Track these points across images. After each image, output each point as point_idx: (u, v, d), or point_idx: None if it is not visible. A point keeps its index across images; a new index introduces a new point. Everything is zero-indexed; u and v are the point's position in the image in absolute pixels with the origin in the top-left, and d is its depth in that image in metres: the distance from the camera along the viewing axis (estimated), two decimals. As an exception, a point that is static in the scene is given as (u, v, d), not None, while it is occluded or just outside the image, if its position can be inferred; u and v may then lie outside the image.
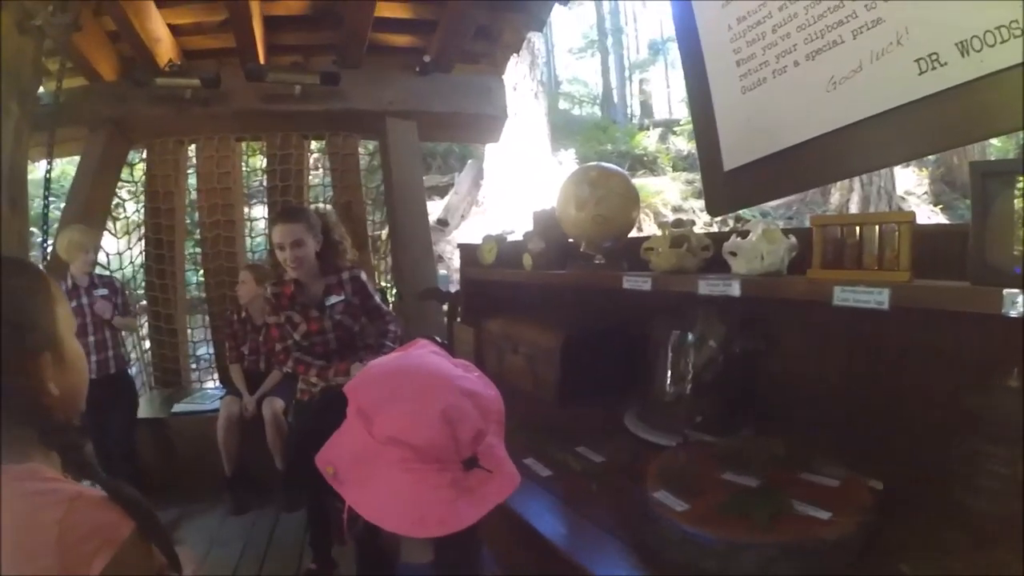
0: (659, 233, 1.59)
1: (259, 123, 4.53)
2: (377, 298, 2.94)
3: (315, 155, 5.12)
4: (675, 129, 15.33)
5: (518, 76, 11.23)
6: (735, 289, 1.32)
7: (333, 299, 2.80)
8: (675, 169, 13.06)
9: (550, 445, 1.67)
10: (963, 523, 1.18)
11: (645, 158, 13.60)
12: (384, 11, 4.09)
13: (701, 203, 12.12)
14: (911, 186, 11.15)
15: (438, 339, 3.73)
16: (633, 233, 2.00)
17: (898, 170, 10.10)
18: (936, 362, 1.40)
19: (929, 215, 10.35)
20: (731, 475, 1.29)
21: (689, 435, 1.54)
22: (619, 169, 1.99)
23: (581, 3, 20.14)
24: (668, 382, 1.67)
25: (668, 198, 11.53)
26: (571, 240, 2.10)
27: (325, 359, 2.78)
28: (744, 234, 1.42)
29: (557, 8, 4.52)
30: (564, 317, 2.26)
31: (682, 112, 19.22)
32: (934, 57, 1.50)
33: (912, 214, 1.22)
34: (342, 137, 4.65)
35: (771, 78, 1.89)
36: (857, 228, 1.23)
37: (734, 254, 1.40)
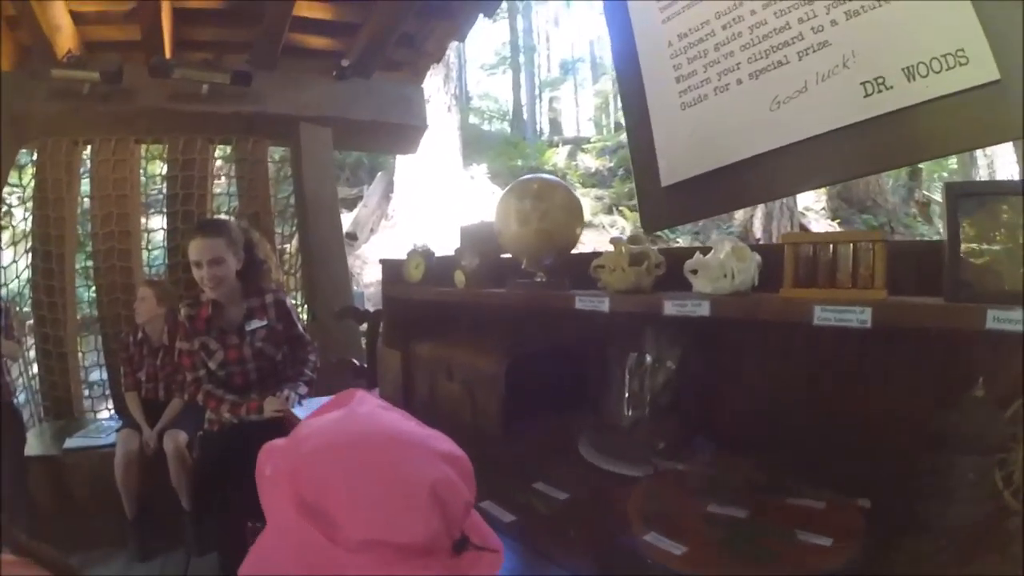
0: (611, 250, 1.50)
1: (162, 124, 4.18)
2: (300, 326, 2.75)
3: (219, 162, 4.81)
4: (584, 147, 15.73)
5: (432, 88, 11.19)
6: (704, 309, 1.25)
7: (255, 324, 2.59)
8: (584, 185, 13.33)
9: (505, 484, 1.55)
10: (941, 533, 1.19)
11: (555, 175, 13.80)
12: (303, 10, 3.91)
13: (610, 219, 12.43)
14: (810, 202, 11.79)
15: (355, 361, 3.55)
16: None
17: None
18: (897, 378, 1.41)
19: (827, 228, 10.98)
20: (715, 507, 1.23)
21: (657, 464, 1.46)
22: (562, 182, 1.91)
23: (496, 20, 20.35)
24: (625, 407, 1.59)
25: None
26: (506, 256, 1.99)
27: (243, 391, 2.56)
28: (706, 251, 1.36)
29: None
30: (504, 339, 2.13)
31: (590, 130, 19.76)
32: (880, 80, 1.53)
33: (882, 233, 1.23)
34: (251, 142, 4.39)
35: (712, 95, 1.87)
36: (831, 246, 1.20)
37: (695, 272, 1.33)
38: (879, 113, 1.53)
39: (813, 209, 11.71)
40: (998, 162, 10.24)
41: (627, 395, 1.59)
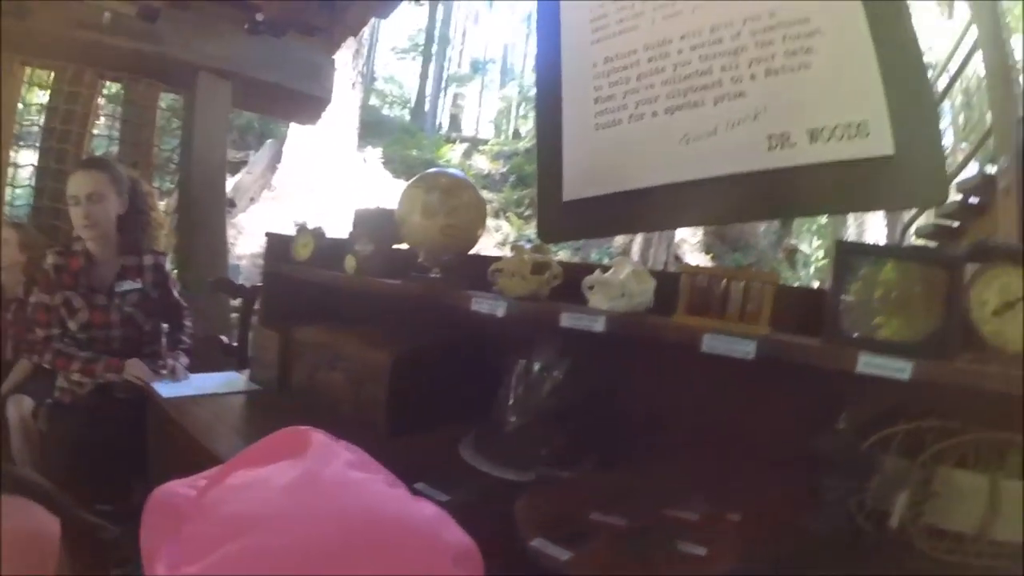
0: (511, 256, 1.53)
1: (55, 49, 3.72)
2: (176, 292, 2.55)
3: (103, 101, 4.41)
4: (480, 148, 15.74)
5: (340, 62, 10.81)
6: (600, 325, 1.31)
7: (127, 286, 2.35)
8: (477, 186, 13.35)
9: None
10: (804, 543, 1.32)
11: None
12: None
13: (496, 223, 12.52)
14: (687, 235, 12.41)
15: (224, 338, 3.35)
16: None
17: None
18: (774, 405, 1.52)
19: (700, 261, 11.60)
20: (598, 515, 1.28)
21: (542, 471, 1.50)
22: (470, 180, 1.92)
23: (421, 4, 20.02)
24: (510, 412, 1.62)
25: None
26: (400, 247, 1.98)
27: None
28: (606, 269, 1.42)
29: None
30: (393, 331, 2.09)
31: (488, 132, 19.81)
32: (785, 137, 1.67)
33: (775, 275, 1.37)
34: (144, 85, 4.02)
35: (627, 122, 1.97)
36: (724, 280, 1.30)
37: (592, 288, 1.39)
38: (779, 166, 1.68)
39: (689, 242, 12.37)
40: (867, 224, 11.20)
41: (512, 401, 1.62)
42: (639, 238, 10.06)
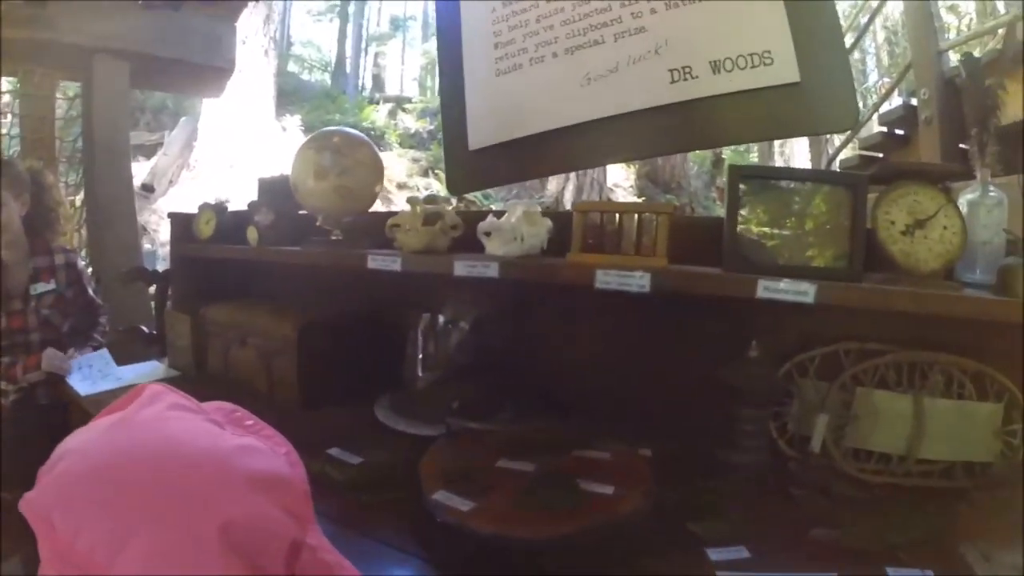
0: (408, 209, 1.48)
1: None
2: (92, 289, 2.45)
3: (7, 98, 4.18)
4: (405, 106, 15.43)
5: (250, 29, 10.41)
6: (493, 271, 1.29)
7: (41, 288, 2.25)
8: (402, 146, 13.17)
9: (301, 454, 1.45)
10: (726, 474, 1.36)
11: (373, 132, 13.41)
12: None
13: (426, 181, 12.40)
14: (620, 179, 12.50)
15: (145, 328, 3.24)
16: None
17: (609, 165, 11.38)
18: (686, 339, 1.55)
19: None
20: (505, 462, 1.27)
21: (451, 424, 1.46)
22: (365, 137, 1.84)
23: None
24: (420, 368, 1.59)
25: (394, 174, 11.55)
26: (305, 213, 1.92)
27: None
28: (500, 214, 1.38)
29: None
30: (301, 301, 2.04)
31: (413, 90, 19.44)
32: (687, 70, 1.66)
33: (671, 206, 1.34)
34: (39, 75, 3.80)
35: (527, 65, 1.93)
36: (617, 216, 1.27)
37: (488, 234, 1.36)
38: (682, 99, 1.67)
39: (622, 186, 12.46)
40: (794, 161, 11.45)
41: (422, 356, 1.59)
42: (571, 185, 10.11)
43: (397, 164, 11.85)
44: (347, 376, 1.84)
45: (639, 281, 1.15)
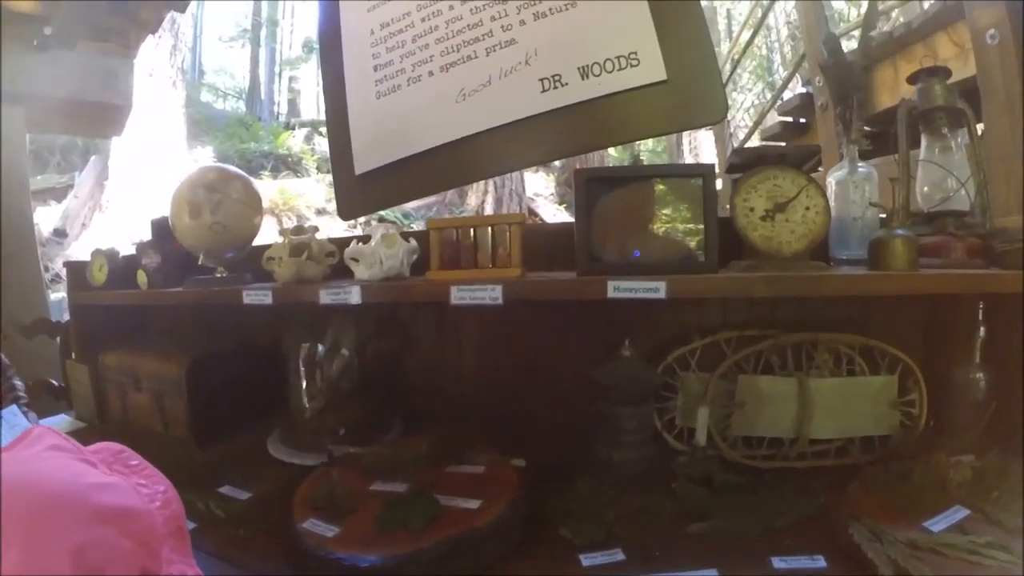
0: (280, 241, 1.52)
1: None
2: None
3: None
4: (321, 130, 15.23)
5: (157, 61, 10.25)
6: (355, 296, 1.32)
7: None
8: (320, 171, 13.02)
9: (189, 492, 1.48)
10: (607, 475, 1.41)
11: (290, 158, 13.36)
12: None
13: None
14: (540, 188, 12.68)
15: (53, 381, 3.20)
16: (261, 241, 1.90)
17: (528, 175, 11.52)
18: (557, 343, 1.62)
19: (555, 213, 11.90)
20: (380, 485, 1.32)
21: (334, 451, 1.50)
22: (239, 172, 1.86)
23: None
24: (305, 398, 1.62)
25: (312, 200, 11.45)
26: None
27: None
28: (366, 239, 1.43)
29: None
30: (189, 341, 2.05)
31: (330, 112, 19.25)
32: (557, 78, 1.73)
33: (522, 216, 1.40)
34: None
35: (406, 85, 1.98)
36: (472, 230, 1.32)
37: (356, 260, 1.41)
38: (553, 107, 1.73)
39: (543, 195, 12.63)
40: (702, 155, 11.74)
41: (305, 386, 1.63)
42: (490, 197, 10.21)
43: (315, 190, 11.72)
44: (238, 410, 1.88)
45: (491, 294, 1.20)
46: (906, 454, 1.40)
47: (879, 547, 1.06)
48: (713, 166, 1.35)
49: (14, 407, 2.34)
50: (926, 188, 1.47)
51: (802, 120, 4.86)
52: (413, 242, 1.43)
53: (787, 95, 5.25)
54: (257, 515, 1.37)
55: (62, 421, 2.39)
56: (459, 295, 1.22)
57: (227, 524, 1.36)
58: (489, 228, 1.31)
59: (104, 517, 0.59)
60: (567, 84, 1.72)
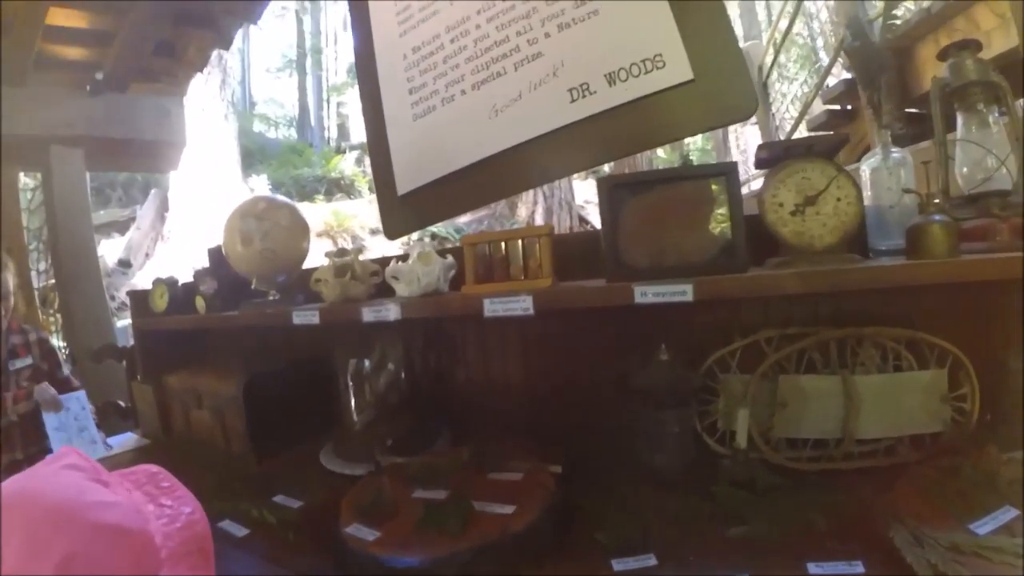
0: (326, 263, 1.62)
1: None
2: (68, 371, 2.59)
3: None
4: None
5: (207, 96, 10.65)
6: (394, 313, 1.39)
7: (19, 363, 2.43)
8: (371, 191, 13.25)
9: (245, 501, 1.59)
10: (641, 479, 1.41)
11: (342, 181, 13.79)
12: (56, 18, 3.57)
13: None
14: (590, 195, 12.62)
15: (120, 403, 3.37)
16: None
17: (577, 182, 11.45)
18: (597, 349, 1.64)
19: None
20: (422, 492, 1.37)
21: (381, 460, 1.57)
22: (286, 200, 1.99)
23: (283, 17, 19.68)
24: (354, 411, 1.70)
25: (365, 221, 11.76)
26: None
27: (6, 443, 2.33)
28: (406, 258, 1.50)
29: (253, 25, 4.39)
30: (246, 361, 2.18)
31: (380, 133, 19.49)
32: (585, 87, 1.76)
33: (549, 227, 1.43)
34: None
35: (440, 106, 2.05)
36: (503, 243, 1.38)
37: (396, 278, 1.48)
38: (583, 116, 1.77)
39: (592, 202, 12.53)
40: (751, 151, 11.48)
41: (354, 400, 1.71)
42: (539, 208, 10.20)
43: (368, 211, 11.98)
44: (293, 425, 1.98)
45: (523, 304, 1.24)
46: (958, 451, 1.31)
47: (919, 551, 1.01)
48: (735, 164, 1.35)
49: (81, 394, 2.50)
50: (966, 169, 1.41)
51: (848, 107, 4.77)
52: (450, 258, 1.49)
53: (832, 82, 5.16)
54: (307, 521, 1.45)
55: (129, 439, 2.53)
56: (492, 307, 1.26)
57: (278, 530, 1.45)
58: (519, 241, 1.37)
59: (98, 533, 0.64)
60: (595, 92, 1.75)
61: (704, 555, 1.15)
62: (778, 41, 6.85)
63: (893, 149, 1.47)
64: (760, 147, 1.41)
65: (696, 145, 13.42)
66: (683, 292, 1.19)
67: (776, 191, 1.31)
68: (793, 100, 7.10)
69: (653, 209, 1.34)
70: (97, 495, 0.68)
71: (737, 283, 1.23)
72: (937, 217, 1.18)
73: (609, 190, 1.32)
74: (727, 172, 1.32)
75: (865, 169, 1.49)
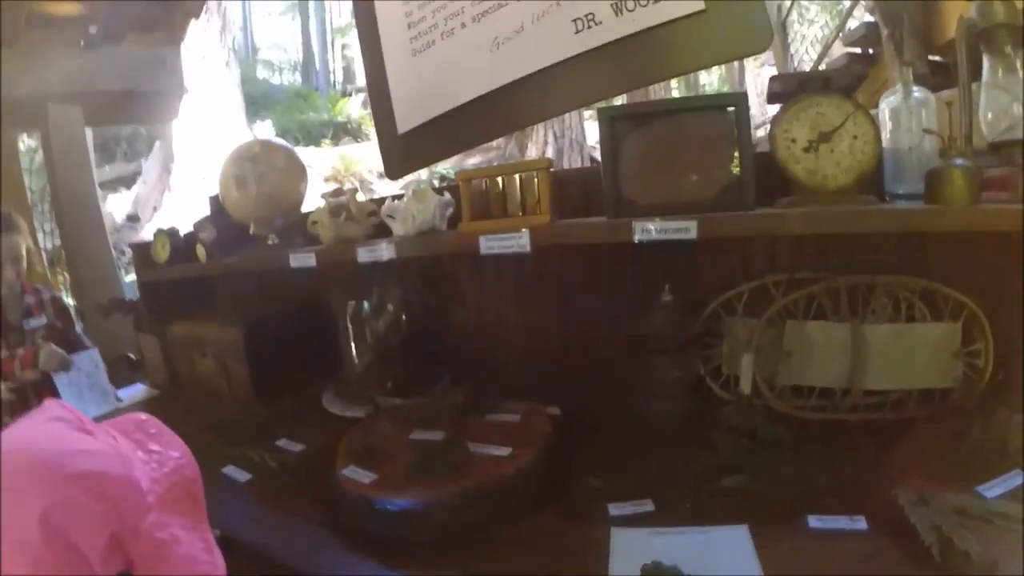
0: (321, 205, 1.59)
1: None
2: (80, 329, 2.60)
3: None
4: None
5: (207, 44, 10.52)
6: (390, 252, 1.36)
7: (34, 322, 2.42)
8: None
9: (248, 446, 1.60)
10: (640, 426, 1.40)
11: (349, 125, 13.53)
12: None
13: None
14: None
15: (131, 356, 3.41)
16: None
17: (589, 122, 11.27)
18: (598, 292, 1.60)
19: None
20: (418, 434, 1.37)
21: (380, 402, 1.56)
22: (281, 142, 1.95)
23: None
24: (354, 354, 1.70)
25: (373, 165, 11.48)
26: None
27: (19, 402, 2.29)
28: (402, 197, 1.47)
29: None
30: (246, 307, 2.17)
31: (385, 77, 19.24)
32: (590, 17, 1.68)
33: (548, 161, 1.37)
34: None
35: (440, 40, 1.98)
36: (500, 179, 1.33)
37: (392, 217, 1.45)
38: (589, 48, 1.69)
39: None
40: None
41: (354, 343, 1.70)
42: (551, 148, 10.07)
43: (375, 154, 11.93)
44: (296, 369, 1.97)
45: (520, 242, 1.21)
46: (969, 409, 1.28)
47: (924, 512, 0.97)
48: (746, 94, 1.29)
49: (94, 352, 2.51)
50: (990, 115, 1.30)
51: (870, 51, 4.63)
52: (447, 195, 1.46)
53: (853, 24, 5.00)
54: (307, 465, 1.46)
55: (138, 391, 2.54)
56: (488, 244, 1.24)
57: (280, 474, 1.46)
58: (517, 176, 1.32)
59: (75, 480, 0.64)
60: (601, 23, 1.68)
61: (702, 503, 1.13)
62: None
63: (915, 88, 1.38)
64: (773, 79, 1.34)
65: (713, 87, 13.15)
66: (686, 229, 1.15)
67: (789, 126, 1.25)
68: (813, 42, 6.93)
69: (656, 143, 1.29)
70: (79, 444, 0.68)
71: (743, 222, 1.18)
72: (959, 161, 1.12)
73: (610, 121, 1.26)
74: (736, 103, 1.25)
75: (884, 108, 1.41)
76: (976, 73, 1.34)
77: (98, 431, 0.73)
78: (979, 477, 1.05)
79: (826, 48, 5.70)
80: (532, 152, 10.25)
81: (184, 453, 0.76)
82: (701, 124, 1.28)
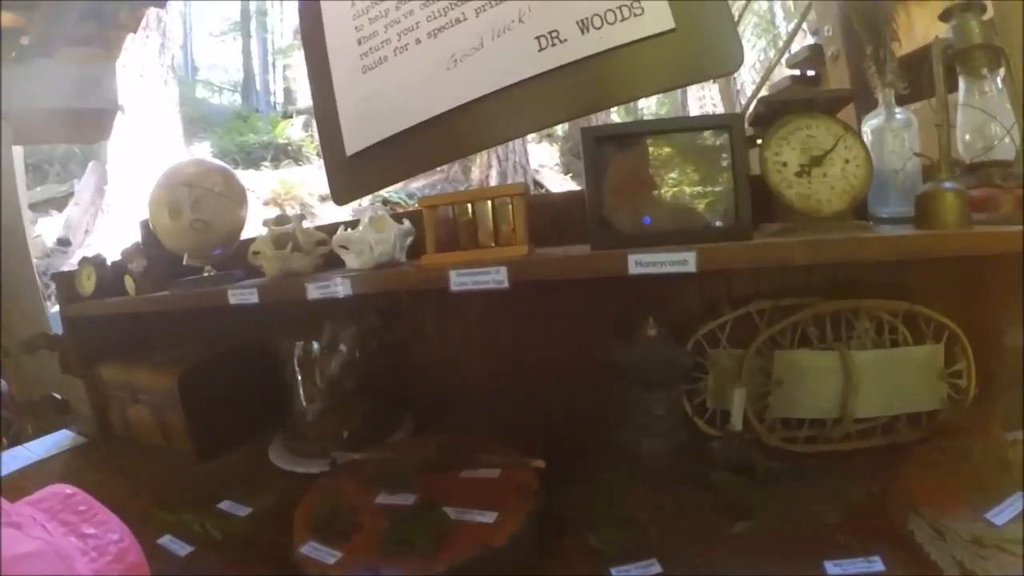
0: (263, 233, 1.42)
1: None
2: None
3: None
4: None
5: (146, 61, 10.26)
6: (346, 288, 1.20)
7: None
8: (320, 157, 13.07)
9: (188, 510, 1.40)
10: (632, 465, 1.32)
11: (290, 147, 13.51)
12: None
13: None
14: (545, 159, 12.59)
15: (57, 396, 3.15)
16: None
17: (532, 145, 11.40)
18: (572, 322, 1.53)
19: (562, 183, 11.81)
20: (385, 497, 1.20)
21: (338, 457, 1.40)
22: (219, 163, 1.75)
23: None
24: (304, 400, 1.53)
25: (314, 188, 11.59)
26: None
27: None
28: (355, 224, 1.32)
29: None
30: (183, 347, 1.97)
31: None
32: (554, 34, 1.60)
33: (523, 186, 1.25)
34: None
35: (392, 56, 1.86)
36: (469, 205, 1.21)
37: (345, 248, 1.29)
38: (553, 66, 1.60)
39: (547, 165, 12.53)
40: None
41: (302, 388, 1.54)
42: (494, 171, 10.10)
43: (317, 177, 11.91)
44: (239, 419, 1.80)
45: (496, 277, 1.07)
46: (958, 430, 1.27)
47: (943, 546, 0.95)
48: (740, 116, 1.20)
49: None
50: (967, 136, 1.31)
51: (811, 72, 4.70)
52: (407, 223, 1.32)
53: (795, 48, 5.11)
54: (256, 533, 1.28)
55: (64, 437, 2.31)
56: (459, 280, 1.09)
57: (224, 547, 1.26)
58: (489, 202, 1.19)
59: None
60: (566, 40, 1.59)
61: (711, 556, 1.04)
62: (738, 9, 6.81)
63: (897, 109, 1.36)
64: (759, 101, 1.28)
65: (649, 109, 13.36)
66: (684, 261, 1.03)
67: (779, 149, 1.18)
68: (753, 66, 7.10)
69: (645, 165, 1.18)
70: (12, 547, 0.60)
71: (745, 252, 1.08)
72: (948, 184, 1.08)
73: (595, 143, 1.15)
74: (730, 124, 1.16)
75: (867, 130, 1.38)
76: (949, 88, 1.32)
77: (25, 520, 0.64)
78: (985, 502, 1.02)
79: (768, 71, 5.80)
80: (476, 174, 10.26)
81: (123, 534, 0.69)
82: (693, 147, 1.18)
